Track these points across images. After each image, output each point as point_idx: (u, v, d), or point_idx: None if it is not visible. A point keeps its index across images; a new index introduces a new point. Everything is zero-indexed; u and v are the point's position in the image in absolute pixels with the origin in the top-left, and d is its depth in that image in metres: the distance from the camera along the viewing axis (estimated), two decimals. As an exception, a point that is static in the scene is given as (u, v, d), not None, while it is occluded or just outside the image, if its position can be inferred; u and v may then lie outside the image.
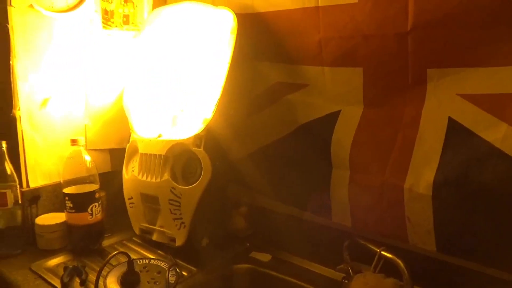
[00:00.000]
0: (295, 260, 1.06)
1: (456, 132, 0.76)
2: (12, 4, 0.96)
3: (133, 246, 1.10)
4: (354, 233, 0.97)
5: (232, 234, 1.17)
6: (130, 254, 0.97)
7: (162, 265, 0.92)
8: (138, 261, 0.93)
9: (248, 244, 1.13)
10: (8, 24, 0.98)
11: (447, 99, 0.78)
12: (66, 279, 0.88)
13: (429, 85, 0.80)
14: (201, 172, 0.99)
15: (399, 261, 0.84)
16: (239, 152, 1.14)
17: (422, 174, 0.79)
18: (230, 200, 1.17)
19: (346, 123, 0.94)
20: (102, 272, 0.83)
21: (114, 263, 0.95)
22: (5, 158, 0.99)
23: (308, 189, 1.04)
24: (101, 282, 0.85)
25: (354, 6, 0.86)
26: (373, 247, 0.91)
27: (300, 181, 1.06)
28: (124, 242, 1.12)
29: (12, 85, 1.01)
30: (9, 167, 1.00)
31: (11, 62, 1.00)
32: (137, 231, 1.12)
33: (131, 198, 1.11)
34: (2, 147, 0.98)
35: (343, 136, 0.94)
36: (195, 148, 0.99)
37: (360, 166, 0.91)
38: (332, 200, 0.98)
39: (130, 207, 1.13)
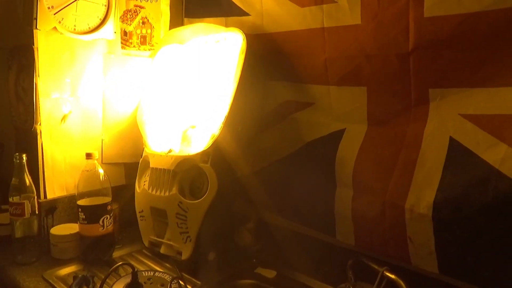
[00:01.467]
0: (300, 277, 1.05)
1: (457, 152, 0.75)
2: (38, 27, 1.04)
3: (141, 258, 1.13)
4: (358, 251, 0.97)
5: (239, 249, 1.18)
6: (137, 266, 1.00)
7: (166, 277, 0.94)
8: (143, 272, 0.95)
9: (254, 260, 1.14)
10: (34, 45, 1.05)
11: (449, 119, 0.78)
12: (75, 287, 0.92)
13: (431, 104, 0.81)
14: (208, 187, 1.02)
15: (402, 282, 0.83)
16: (247, 168, 1.16)
17: (423, 194, 0.78)
18: (237, 215, 1.19)
19: (350, 141, 0.95)
20: (109, 282, 0.86)
21: (122, 274, 0.98)
22: (25, 170, 1.05)
23: (313, 206, 1.05)
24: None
25: (358, 27, 0.88)
26: (376, 267, 0.90)
27: (305, 199, 1.06)
28: (134, 254, 1.15)
29: (35, 101, 1.08)
30: (28, 179, 1.06)
31: (35, 81, 1.07)
32: (146, 244, 1.15)
33: (142, 211, 1.15)
34: (22, 159, 1.04)
35: (347, 154, 0.95)
36: (202, 164, 1.02)
37: (363, 185, 0.91)
38: (336, 218, 0.98)
39: (140, 220, 1.16)
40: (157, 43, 1.28)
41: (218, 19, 1.24)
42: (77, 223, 1.11)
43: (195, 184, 1.06)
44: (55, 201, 1.15)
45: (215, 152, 1.02)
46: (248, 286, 1.02)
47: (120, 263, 0.87)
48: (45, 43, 1.08)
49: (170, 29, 1.31)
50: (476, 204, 0.71)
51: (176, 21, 1.34)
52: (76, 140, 1.19)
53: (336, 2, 0.91)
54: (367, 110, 0.92)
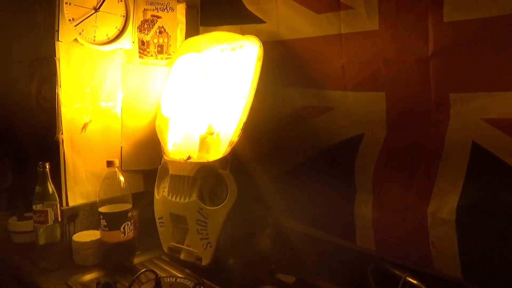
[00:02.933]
0: (319, 283, 1.05)
1: (480, 157, 0.75)
2: (60, 39, 1.06)
3: (162, 264, 1.14)
4: (378, 256, 0.97)
5: (258, 255, 1.18)
6: (158, 272, 1.01)
7: (188, 283, 0.95)
8: (165, 279, 0.96)
9: (273, 266, 1.14)
10: (55, 56, 1.08)
11: (471, 124, 0.77)
12: (98, 294, 0.93)
13: (452, 109, 0.80)
14: (227, 193, 1.03)
15: (423, 287, 0.83)
16: (265, 174, 1.17)
17: (446, 198, 0.78)
18: (256, 221, 1.19)
19: (369, 146, 0.95)
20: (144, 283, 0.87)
21: (143, 280, 0.99)
22: (48, 179, 1.07)
23: (332, 212, 1.05)
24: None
25: (375, 33, 0.88)
26: (397, 272, 0.90)
27: (324, 204, 1.07)
28: (154, 260, 1.16)
29: (57, 111, 1.10)
30: (51, 187, 1.08)
31: (57, 91, 1.09)
32: (166, 250, 1.16)
33: (161, 217, 1.16)
34: (46, 168, 1.07)
35: (367, 159, 0.95)
36: (222, 170, 1.03)
37: (384, 189, 0.91)
38: (356, 223, 0.98)
39: (160, 226, 1.17)
40: (173, 52, 1.30)
41: (233, 27, 1.26)
42: (98, 229, 1.14)
43: (214, 191, 1.07)
44: (76, 208, 1.17)
45: (233, 159, 1.03)
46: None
47: (144, 270, 0.88)
48: (66, 55, 1.11)
49: (186, 38, 1.33)
50: (500, 208, 0.70)
51: (191, 30, 1.36)
52: (96, 148, 1.21)
53: (353, 8, 0.92)
54: (386, 115, 0.92)
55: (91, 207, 1.20)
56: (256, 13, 1.18)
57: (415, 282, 0.83)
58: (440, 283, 0.85)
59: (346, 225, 1.00)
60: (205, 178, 1.06)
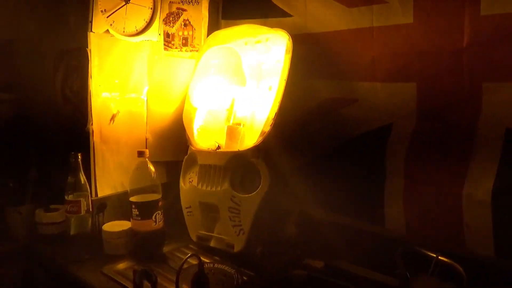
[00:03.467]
0: (347, 266, 1.09)
1: (514, 142, 0.80)
2: (93, 30, 1.07)
3: (189, 252, 1.16)
4: (407, 240, 1.01)
5: (282, 242, 1.21)
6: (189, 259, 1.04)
7: (226, 268, 0.98)
8: (205, 264, 0.98)
9: (299, 251, 1.17)
10: (87, 47, 1.08)
11: (504, 111, 0.82)
12: (138, 281, 0.94)
13: (484, 97, 0.85)
14: (259, 181, 1.05)
15: (458, 265, 0.87)
16: (291, 163, 1.20)
17: (481, 181, 0.83)
18: (282, 209, 1.22)
19: (400, 135, 0.99)
20: (167, 275, 0.89)
21: (176, 267, 1.01)
22: (81, 169, 1.08)
23: (361, 198, 1.09)
24: (172, 285, 0.92)
25: (409, 26, 0.93)
26: (429, 253, 0.94)
27: (352, 191, 1.10)
28: (182, 248, 1.18)
29: (88, 102, 1.11)
30: (83, 178, 1.09)
31: (88, 82, 1.10)
32: (194, 238, 1.18)
33: (189, 207, 1.18)
34: (78, 158, 1.07)
35: (398, 147, 0.99)
36: (254, 159, 1.06)
37: (416, 175, 0.95)
38: (386, 208, 1.02)
39: (188, 215, 1.19)
40: (198, 45, 1.31)
41: (256, 20, 1.28)
42: (125, 219, 1.15)
43: (245, 179, 1.09)
44: (105, 199, 1.18)
45: (264, 148, 1.06)
46: (301, 277, 1.05)
47: (190, 254, 0.90)
48: (97, 46, 1.11)
49: (207, 31, 1.35)
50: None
51: (212, 24, 1.38)
52: (122, 139, 1.22)
53: (387, 2, 0.96)
54: (417, 105, 0.96)
55: (118, 197, 1.21)
56: (282, 7, 1.21)
57: (448, 261, 0.87)
58: (470, 262, 0.88)
59: (375, 210, 1.04)
60: (237, 167, 1.09)
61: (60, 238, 1.16)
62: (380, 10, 0.97)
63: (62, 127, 1.25)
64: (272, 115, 1.06)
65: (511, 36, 0.79)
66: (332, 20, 1.08)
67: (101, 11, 1.09)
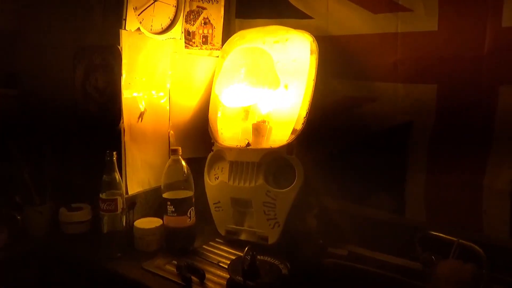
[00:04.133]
0: (370, 253, 1.19)
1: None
2: (126, 27, 1.06)
3: (220, 246, 1.20)
4: (423, 227, 1.12)
5: (303, 234, 1.29)
6: (221, 253, 1.09)
7: (270, 260, 1.03)
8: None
9: (321, 241, 1.25)
10: (119, 45, 1.08)
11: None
12: (187, 275, 0.98)
13: (500, 97, 0.96)
14: (291, 176, 1.12)
15: (478, 248, 0.99)
16: (311, 158, 1.27)
17: (501, 172, 0.95)
18: (303, 203, 1.29)
19: (421, 131, 1.09)
20: (208, 268, 0.99)
21: (215, 262, 1.06)
22: (115, 168, 1.08)
23: (381, 190, 1.19)
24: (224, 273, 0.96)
25: (433, 33, 1.02)
26: (449, 237, 1.06)
27: (372, 183, 1.20)
28: (211, 243, 1.22)
29: (119, 101, 1.10)
30: (117, 176, 1.09)
31: (120, 80, 1.09)
32: (222, 233, 1.22)
33: (218, 202, 1.22)
34: (113, 157, 1.07)
35: (419, 142, 1.09)
36: (288, 156, 1.12)
37: (438, 166, 1.06)
38: (407, 199, 1.13)
39: (216, 210, 1.23)
40: (218, 43, 1.34)
41: (272, 20, 1.33)
42: (153, 216, 1.18)
43: (277, 174, 1.15)
44: (135, 196, 1.19)
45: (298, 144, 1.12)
46: (331, 264, 1.13)
47: (248, 246, 0.95)
48: (127, 43, 1.11)
49: (223, 30, 1.38)
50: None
51: (226, 22, 1.40)
52: (148, 137, 1.23)
53: (411, 10, 1.05)
54: (436, 104, 1.06)
55: (146, 195, 1.22)
56: (302, 9, 1.27)
57: (469, 244, 0.98)
58: (488, 247, 1.00)
59: (396, 201, 1.15)
60: (269, 163, 1.14)
61: (84, 237, 1.16)
62: (405, 17, 1.06)
63: (83, 125, 1.23)
64: (304, 113, 1.12)
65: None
66: (356, 24, 1.16)
67: (133, 9, 1.08)
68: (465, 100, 1.03)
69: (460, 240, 1.01)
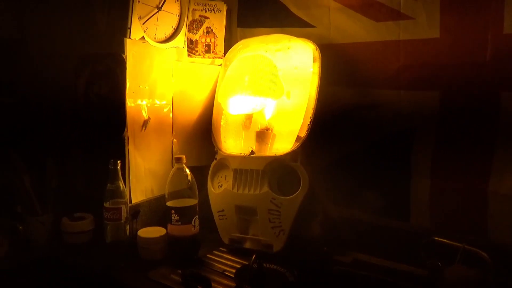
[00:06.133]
0: (375, 260, 1.18)
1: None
2: (131, 36, 1.07)
3: (224, 255, 1.19)
4: (428, 233, 1.12)
5: (306, 241, 1.28)
6: (225, 262, 1.08)
7: (277, 268, 1.02)
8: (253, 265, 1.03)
9: (325, 248, 1.25)
10: (124, 53, 1.08)
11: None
12: (193, 284, 0.97)
13: (502, 104, 0.98)
14: (298, 183, 1.12)
15: (483, 253, 0.99)
16: (313, 165, 1.27)
17: (505, 176, 0.96)
18: (304, 209, 1.29)
19: (424, 137, 1.10)
20: (214, 277, 0.95)
21: (220, 270, 1.05)
22: (119, 176, 1.07)
23: (385, 196, 1.19)
24: (230, 282, 0.95)
25: (435, 41, 1.04)
26: (454, 243, 1.06)
27: (376, 189, 1.20)
28: (215, 251, 1.21)
29: (124, 109, 1.10)
30: (121, 184, 1.08)
31: (124, 88, 1.09)
32: (226, 241, 1.21)
33: (222, 210, 1.21)
34: (117, 165, 1.07)
35: (423, 148, 1.10)
36: (293, 163, 1.12)
37: (442, 172, 1.06)
38: (411, 205, 1.13)
39: (219, 219, 1.22)
40: (220, 51, 1.35)
41: (274, 29, 1.34)
42: (156, 225, 1.16)
43: (282, 181, 1.15)
44: (138, 205, 1.18)
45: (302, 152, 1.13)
46: (341, 271, 1.12)
47: (254, 254, 0.95)
48: (131, 52, 1.11)
49: (224, 39, 1.39)
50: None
51: (228, 31, 1.41)
52: (151, 145, 1.22)
53: (413, 18, 1.06)
54: (439, 109, 1.07)
55: (149, 203, 1.21)
56: (304, 18, 1.28)
57: (474, 249, 0.99)
58: (494, 252, 1.00)
59: (401, 207, 1.15)
60: (274, 170, 1.14)
61: (86, 247, 1.15)
62: (407, 25, 1.08)
63: (86, 133, 1.23)
64: (308, 120, 1.13)
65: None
66: (359, 32, 1.17)
67: (138, 18, 1.09)
68: (468, 106, 1.04)
69: (465, 246, 1.02)
